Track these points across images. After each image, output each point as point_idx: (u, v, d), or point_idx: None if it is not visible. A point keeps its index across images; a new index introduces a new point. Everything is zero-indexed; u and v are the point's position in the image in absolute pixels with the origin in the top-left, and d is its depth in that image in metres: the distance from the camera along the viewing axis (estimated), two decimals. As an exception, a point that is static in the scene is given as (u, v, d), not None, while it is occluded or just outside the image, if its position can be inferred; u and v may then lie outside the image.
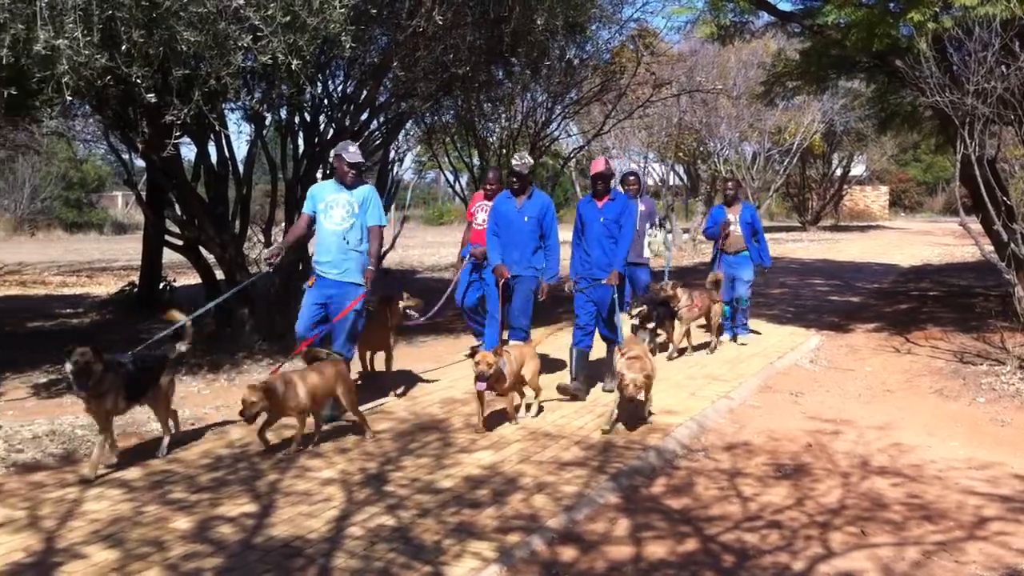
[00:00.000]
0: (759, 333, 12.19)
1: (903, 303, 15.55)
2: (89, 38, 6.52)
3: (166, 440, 6.80)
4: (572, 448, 6.92)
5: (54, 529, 5.26)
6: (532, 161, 8.84)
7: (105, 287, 18.06)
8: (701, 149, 31.54)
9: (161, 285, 14.55)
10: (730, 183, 12.30)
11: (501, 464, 6.51)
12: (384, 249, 9.17)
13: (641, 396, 7.28)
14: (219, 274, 11.56)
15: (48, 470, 6.38)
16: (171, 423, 6.90)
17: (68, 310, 14.68)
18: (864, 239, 34.74)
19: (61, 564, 4.77)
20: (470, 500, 5.76)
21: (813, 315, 13.98)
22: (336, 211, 7.74)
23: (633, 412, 7.59)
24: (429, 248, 29.37)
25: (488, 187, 10.11)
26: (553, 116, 16.38)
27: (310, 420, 7.04)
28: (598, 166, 8.69)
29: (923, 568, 4.93)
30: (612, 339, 8.58)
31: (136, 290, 14.69)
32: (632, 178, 10.94)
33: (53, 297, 17.13)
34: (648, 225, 10.79)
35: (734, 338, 11.68)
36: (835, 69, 13.64)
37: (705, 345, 11.23)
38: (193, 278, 14.49)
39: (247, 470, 6.39)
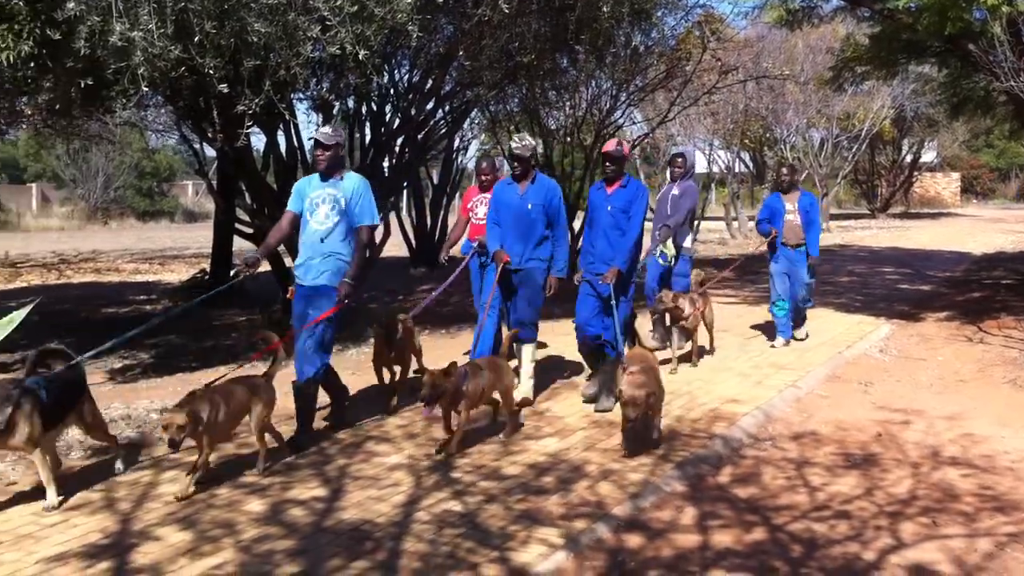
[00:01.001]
0: (802, 339, 10.76)
1: (975, 291, 15.26)
2: (163, 30, 6.66)
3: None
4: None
5: (129, 511, 5.40)
6: (534, 143, 8.18)
7: (177, 274, 18.43)
8: (767, 136, 31.23)
9: (232, 273, 14.77)
10: (784, 168, 11.13)
11: (566, 451, 6.53)
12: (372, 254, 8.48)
13: (636, 414, 6.27)
14: (288, 261, 11.73)
15: (125, 453, 6.55)
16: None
17: (142, 296, 15.00)
18: (935, 226, 34.14)
19: (137, 545, 4.90)
20: (536, 487, 5.80)
21: (883, 304, 13.77)
22: (321, 208, 6.84)
23: (640, 435, 6.59)
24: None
25: (483, 178, 9.13)
26: (618, 103, 16.31)
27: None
28: (609, 146, 7.92)
29: (995, 560, 4.85)
30: (607, 341, 7.77)
31: (208, 277, 14.96)
32: (680, 159, 10.09)
33: (127, 284, 17.51)
34: (685, 215, 9.69)
35: (788, 341, 10.49)
36: (906, 54, 13.45)
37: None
38: (262, 266, 14.68)
39: (316, 454, 6.50)
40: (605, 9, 10.69)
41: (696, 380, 8.72)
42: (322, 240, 6.79)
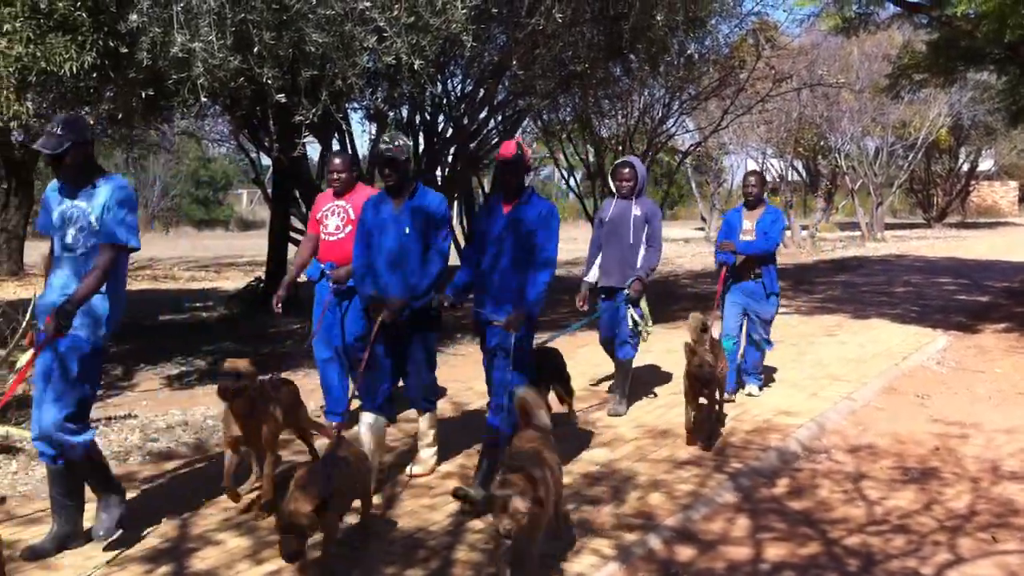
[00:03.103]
0: (767, 386, 8.77)
1: (1035, 303, 14.99)
2: (223, 41, 6.78)
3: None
4: (688, 447, 6.89)
5: (188, 516, 5.48)
6: (410, 144, 6.22)
7: (232, 282, 18.67)
8: (821, 144, 30.93)
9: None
10: (752, 178, 8.38)
11: (617, 461, 6.52)
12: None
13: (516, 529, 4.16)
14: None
15: (181, 459, 6.65)
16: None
17: (198, 304, 15.22)
18: (992, 236, 33.57)
19: (196, 550, 4.98)
20: (588, 497, 5.79)
21: (939, 315, 13.57)
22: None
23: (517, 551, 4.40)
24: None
25: (334, 178, 7.08)
26: (670, 112, 16.28)
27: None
28: (506, 150, 5.88)
29: (1058, 578, 4.77)
30: (499, 430, 5.64)
31: (263, 285, 15.13)
32: (627, 171, 7.75)
33: (183, 291, 17.77)
34: (646, 243, 7.64)
35: (735, 391, 8.32)
36: (964, 61, 13.28)
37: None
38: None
39: (370, 462, 6.54)
40: (659, 17, 10.67)
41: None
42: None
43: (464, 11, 7.51)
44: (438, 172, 11.61)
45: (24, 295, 12.70)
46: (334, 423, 6.78)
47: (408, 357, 6.04)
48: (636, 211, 7.62)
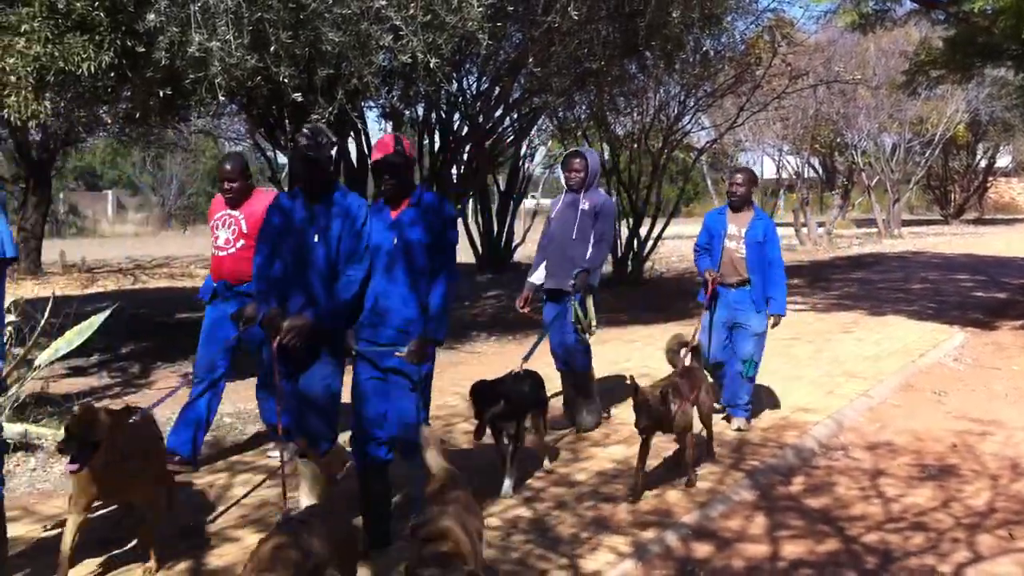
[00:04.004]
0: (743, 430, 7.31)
1: (1053, 300, 14.90)
2: (240, 40, 6.81)
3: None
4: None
5: (204, 512, 5.51)
6: (334, 139, 5.18)
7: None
8: (838, 141, 30.81)
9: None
10: (739, 176, 7.42)
11: (633, 458, 6.49)
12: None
13: None
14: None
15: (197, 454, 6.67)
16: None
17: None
18: (1010, 233, 33.36)
19: (214, 547, 5.01)
20: (604, 494, 5.80)
21: (956, 311, 13.50)
22: None
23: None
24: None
25: (225, 188, 6.33)
26: (686, 109, 16.25)
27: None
28: (382, 149, 4.89)
29: (1077, 576, 4.75)
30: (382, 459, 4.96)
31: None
32: (577, 162, 7.07)
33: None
34: (593, 238, 6.92)
35: (727, 418, 7.38)
36: (982, 57, 13.20)
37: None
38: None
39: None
40: (675, 14, 10.66)
41: (765, 389, 8.63)
42: None
43: (480, 9, 7.51)
44: (453, 170, 11.62)
45: (43, 293, 12.78)
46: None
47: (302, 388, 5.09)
48: (584, 205, 6.95)
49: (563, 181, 7.25)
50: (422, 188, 5.08)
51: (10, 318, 6.75)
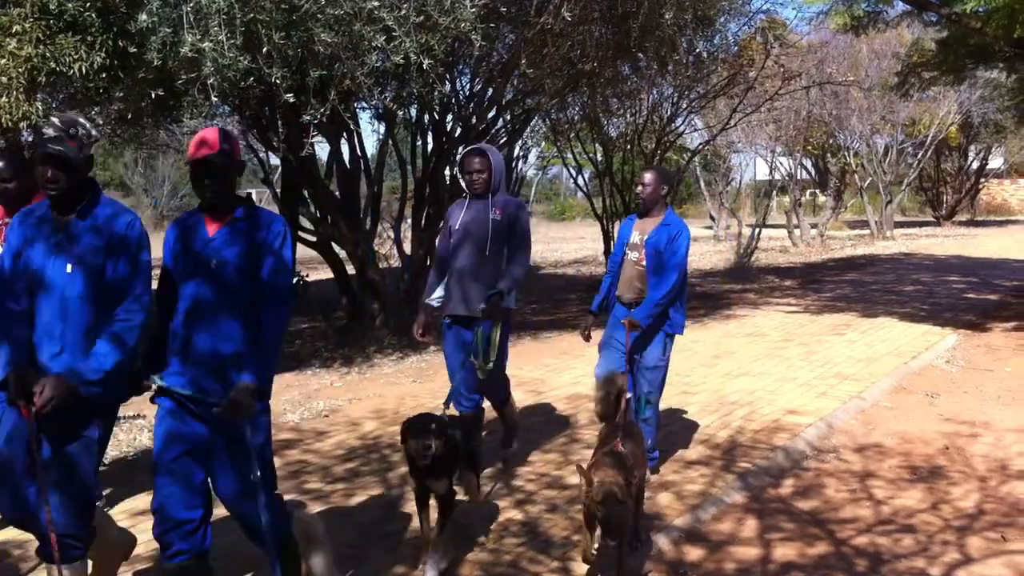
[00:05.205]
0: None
1: (1045, 302, 14.93)
2: (232, 41, 6.79)
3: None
4: (696, 447, 6.89)
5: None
6: (96, 134, 3.99)
7: (240, 280, 18.64)
8: (831, 142, 30.84)
9: (295, 280, 14.94)
10: (646, 175, 6.07)
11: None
12: None
13: None
14: (350, 269, 11.88)
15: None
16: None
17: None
18: (1002, 235, 33.41)
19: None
20: (596, 496, 5.79)
21: (949, 313, 13.52)
22: None
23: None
24: (551, 244, 29.44)
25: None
26: (679, 110, 16.26)
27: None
28: (205, 144, 3.92)
29: (1067, 579, 4.76)
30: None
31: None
32: (477, 161, 5.92)
33: None
34: (508, 253, 5.91)
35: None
36: (974, 59, 13.25)
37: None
38: (325, 273, 14.90)
39: (379, 461, 6.56)
40: (668, 16, 10.63)
41: (757, 391, 8.64)
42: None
43: (473, 10, 7.50)
44: (447, 172, 11.60)
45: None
46: None
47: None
48: (495, 214, 5.85)
49: (463, 185, 6.07)
50: (249, 198, 4.07)
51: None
